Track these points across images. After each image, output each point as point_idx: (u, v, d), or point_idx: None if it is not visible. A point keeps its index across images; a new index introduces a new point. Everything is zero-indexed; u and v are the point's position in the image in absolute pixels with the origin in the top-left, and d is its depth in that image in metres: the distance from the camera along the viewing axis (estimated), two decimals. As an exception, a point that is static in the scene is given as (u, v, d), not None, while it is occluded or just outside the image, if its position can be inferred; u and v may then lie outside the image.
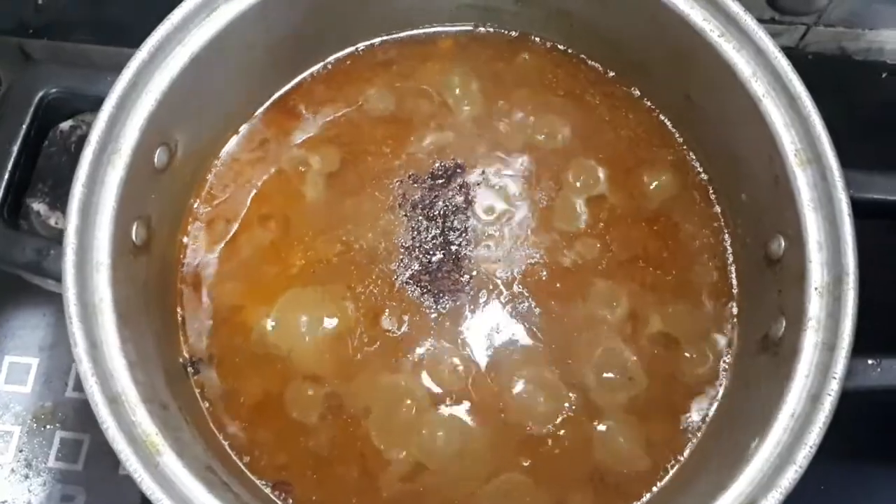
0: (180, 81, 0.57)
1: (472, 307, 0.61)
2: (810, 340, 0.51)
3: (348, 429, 0.59)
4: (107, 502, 0.71)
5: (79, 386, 0.73)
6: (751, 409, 0.55)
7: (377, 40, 0.69)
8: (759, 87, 0.56)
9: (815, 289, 0.52)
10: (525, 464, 0.58)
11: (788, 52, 0.56)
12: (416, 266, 0.62)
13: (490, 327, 0.61)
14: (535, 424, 0.59)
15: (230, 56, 0.60)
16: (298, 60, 0.67)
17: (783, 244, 0.56)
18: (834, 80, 0.85)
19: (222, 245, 0.64)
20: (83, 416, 0.73)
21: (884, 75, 0.86)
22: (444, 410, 0.59)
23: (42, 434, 0.73)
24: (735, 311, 0.61)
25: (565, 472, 0.58)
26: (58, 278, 0.52)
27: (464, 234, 0.63)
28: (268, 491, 0.58)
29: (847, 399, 0.50)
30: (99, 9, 0.85)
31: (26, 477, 0.72)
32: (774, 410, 0.50)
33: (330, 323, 0.61)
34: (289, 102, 0.67)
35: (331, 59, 0.68)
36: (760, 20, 0.57)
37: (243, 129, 0.66)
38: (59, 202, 0.71)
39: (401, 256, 0.63)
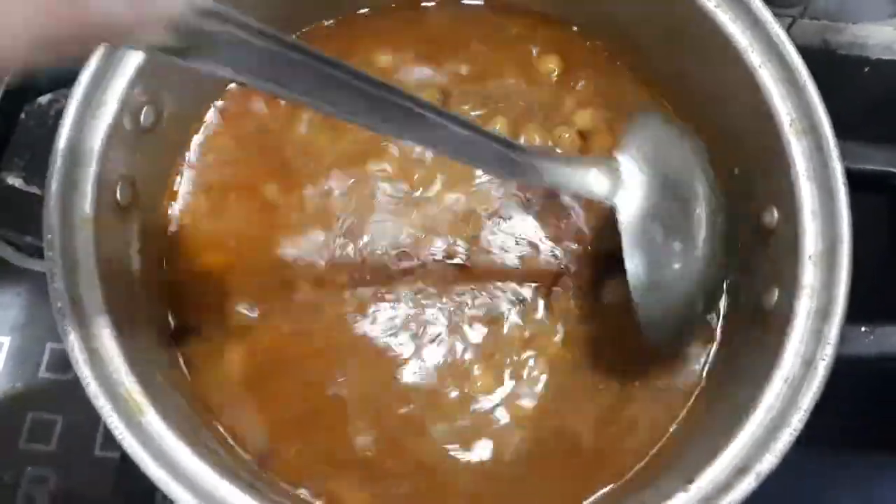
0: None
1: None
2: (804, 308, 0.51)
3: (329, 395, 0.58)
4: (80, 484, 0.68)
5: (52, 366, 0.72)
6: (741, 380, 0.54)
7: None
8: (754, 58, 0.56)
9: (809, 257, 0.52)
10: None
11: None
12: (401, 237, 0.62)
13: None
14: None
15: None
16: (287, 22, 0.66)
17: (776, 215, 0.56)
18: (817, 74, 0.86)
19: (207, 212, 0.62)
20: (56, 397, 0.70)
21: (866, 70, 0.86)
22: (414, 366, 0.59)
23: (13, 415, 0.70)
24: (726, 283, 0.61)
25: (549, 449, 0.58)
26: (38, 234, 0.50)
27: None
28: (251, 462, 0.56)
29: (840, 368, 0.50)
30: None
31: (-5, 458, 0.69)
32: (767, 376, 0.50)
33: (316, 293, 0.60)
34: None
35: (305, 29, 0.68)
36: (747, 10, 0.57)
37: (230, 89, 0.65)
38: (37, 176, 0.69)
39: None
